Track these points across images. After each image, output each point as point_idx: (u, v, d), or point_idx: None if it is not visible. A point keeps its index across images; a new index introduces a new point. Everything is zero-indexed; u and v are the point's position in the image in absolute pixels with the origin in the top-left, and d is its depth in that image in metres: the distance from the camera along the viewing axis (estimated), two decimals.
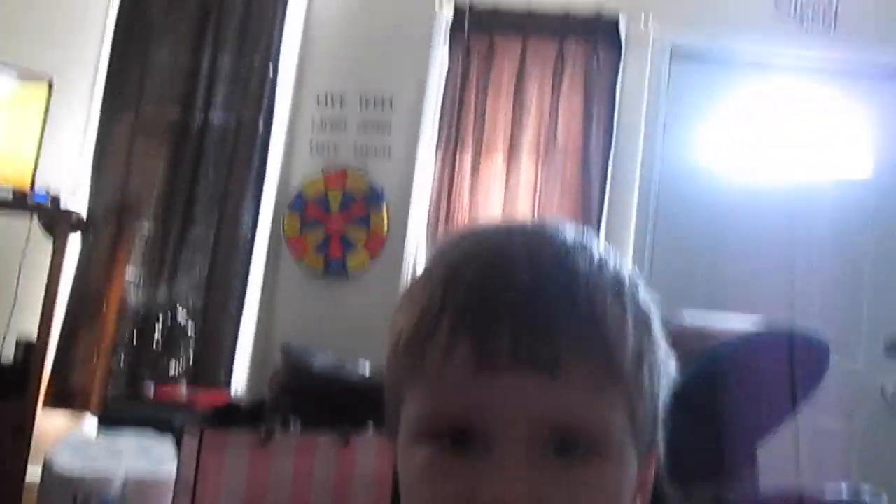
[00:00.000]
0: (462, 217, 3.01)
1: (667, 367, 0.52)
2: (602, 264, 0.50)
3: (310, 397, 2.34)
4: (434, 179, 3.08)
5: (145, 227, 3.01)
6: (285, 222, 3.16)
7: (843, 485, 1.83)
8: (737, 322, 1.92)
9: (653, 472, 0.54)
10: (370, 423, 1.90)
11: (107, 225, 2.99)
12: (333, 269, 3.10)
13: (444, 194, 3.04)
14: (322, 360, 2.74)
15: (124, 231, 2.98)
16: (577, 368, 0.46)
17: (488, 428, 0.46)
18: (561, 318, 0.46)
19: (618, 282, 0.49)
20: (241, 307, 3.02)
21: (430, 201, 3.07)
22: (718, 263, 2.95)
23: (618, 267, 0.50)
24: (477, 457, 0.46)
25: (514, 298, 0.46)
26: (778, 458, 2.26)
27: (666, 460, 1.85)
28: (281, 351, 2.69)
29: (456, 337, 0.46)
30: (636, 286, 0.51)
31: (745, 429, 2.09)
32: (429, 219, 3.06)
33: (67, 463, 1.62)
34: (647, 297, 0.51)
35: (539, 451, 0.45)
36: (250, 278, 3.07)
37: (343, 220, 3.13)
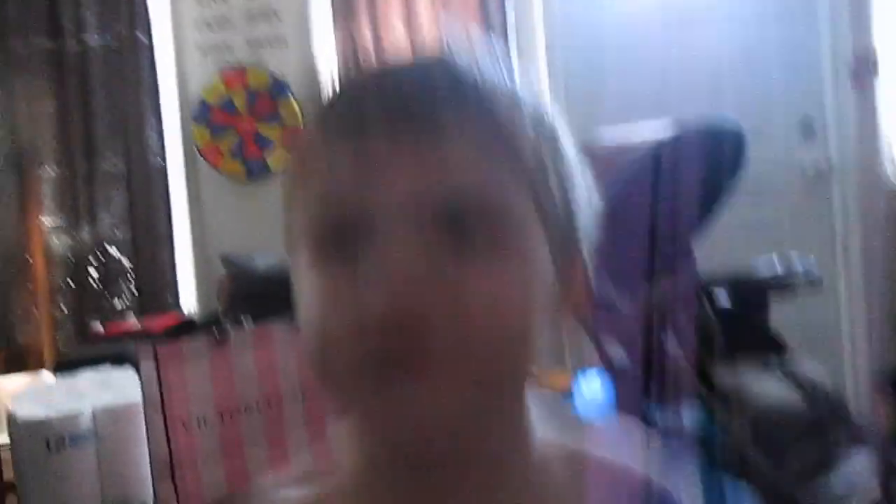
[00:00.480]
0: None
1: (584, 188, 0.49)
2: (500, 82, 0.46)
3: (261, 299, 2.36)
4: (338, 56, 2.98)
5: (49, 170, 2.88)
6: (194, 134, 3.06)
7: (774, 256, 1.94)
8: (651, 129, 1.95)
9: (579, 290, 0.50)
10: None
11: (9, 175, 2.85)
12: (255, 170, 3.04)
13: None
14: (264, 261, 2.73)
15: (28, 178, 2.86)
16: (462, 138, 0.42)
17: (371, 215, 0.42)
18: (441, 85, 0.43)
19: (516, 95, 0.46)
20: (171, 229, 2.97)
21: None
22: (629, 73, 2.96)
23: (518, 88, 0.47)
24: (363, 257, 0.42)
25: (395, 98, 0.43)
26: (713, 244, 2.37)
27: (610, 274, 1.90)
28: (221, 262, 2.67)
29: (334, 144, 0.44)
30: (539, 106, 0.48)
31: (676, 228, 2.17)
32: None
33: (30, 410, 1.61)
34: (552, 118, 0.48)
35: (428, 233, 0.42)
36: (173, 199, 3.00)
37: (252, 119, 3.04)
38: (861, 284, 3.06)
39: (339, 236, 0.43)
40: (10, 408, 1.67)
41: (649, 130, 1.94)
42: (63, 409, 1.62)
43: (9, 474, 2.57)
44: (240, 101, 3.02)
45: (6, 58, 2.87)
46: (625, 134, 1.94)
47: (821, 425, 1.83)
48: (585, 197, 0.50)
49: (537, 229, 0.45)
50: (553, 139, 0.47)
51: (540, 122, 0.46)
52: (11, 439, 1.65)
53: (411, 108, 0.43)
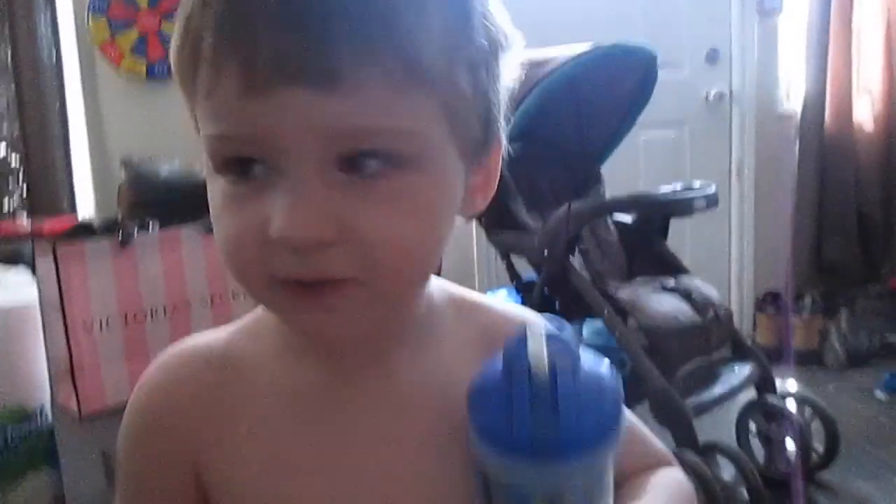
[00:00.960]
0: None
1: (498, 63, 0.46)
2: None
3: (163, 206, 2.28)
4: None
5: None
6: (91, 28, 2.86)
7: (678, 184, 2.01)
8: (568, 49, 1.96)
9: (495, 167, 0.50)
10: None
11: None
12: (157, 71, 2.88)
13: None
14: (167, 167, 2.63)
15: None
16: (365, 74, 0.39)
17: (272, 153, 0.41)
18: (339, 17, 0.39)
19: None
20: (65, 129, 2.79)
21: None
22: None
23: None
24: (268, 184, 0.42)
25: (280, 4, 0.39)
26: (619, 171, 2.43)
27: (522, 196, 1.93)
28: (122, 165, 2.55)
29: (220, 57, 0.40)
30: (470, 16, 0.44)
31: (589, 148, 2.22)
32: None
33: None
34: (493, 28, 0.46)
35: (332, 171, 0.41)
36: (68, 96, 2.81)
37: (155, 15, 2.86)
38: (752, 207, 3.23)
39: (245, 161, 0.43)
40: None
41: (566, 49, 1.95)
42: None
43: None
44: None
45: None
46: (542, 52, 1.94)
47: (709, 340, 1.95)
48: (505, 100, 0.49)
49: (450, 149, 0.44)
50: (462, 12, 0.43)
51: (467, 36, 0.43)
52: None
53: (304, 34, 0.39)
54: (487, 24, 0.45)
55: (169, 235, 1.61)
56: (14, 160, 2.72)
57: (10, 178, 2.71)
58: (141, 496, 0.54)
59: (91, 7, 2.84)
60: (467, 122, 0.45)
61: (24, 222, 2.50)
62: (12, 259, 1.94)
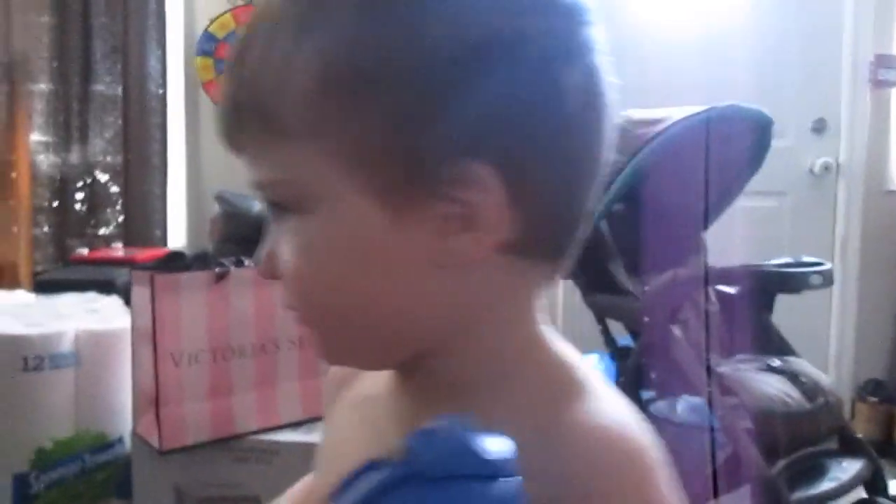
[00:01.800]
0: None
1: (459, 83, 0.39)
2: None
3: (253, 242, 2.28)
4: None
5: (41, 87, 2.75)
6: (197, 66, 2.94)
7: (786, 258, 1.90)
8: (680, 110, 1.90)
9: (484, 204, 0.40)
10: None
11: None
12: None
13: None
14: (258, 204, 2.65)
15: (18, 92, 2.73)
16: (240, 138, 0.45)
17: None
18: (228, 93, 0.45)
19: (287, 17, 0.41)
20: (164, 161, 2.86)
21: None
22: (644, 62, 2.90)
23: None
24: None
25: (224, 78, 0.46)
26: (721, 240, 2.33)
27: (623, 258, 1.86)
28: (216, 200, 2.58)
29: None
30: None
31: (695, 213, 2.13)
32: None
33: (9, 326, 1.52)
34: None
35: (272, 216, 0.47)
36: (169, 130, 2.89)
37: None
38: (855, 287, 3.05)
39: None
40: None
41: (679, 110, 1.88)
42: (44, 328, 1.53)
43: None
44: None
45: None
46: (652, 111, 1.88)
47: (817, 429, 1.81)
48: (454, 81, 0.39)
49: (347, 190, 0.41)
50: (406, 85, 0.39)
51: (369, 77, 0.40)
52: None
53: (224, 109, 0.46)
54: (435, 47, 0.39)
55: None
56: (114, 188, 2.78)
57: (108, 205, 2.77)
58: None
59: (199, 48, 2.93)
60: (376, 161, 0.40)
61: (117, 250, 2.54)
62: (105, 286, 1.95)
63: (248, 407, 1.61)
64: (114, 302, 1.77)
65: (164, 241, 2.81)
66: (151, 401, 1.45)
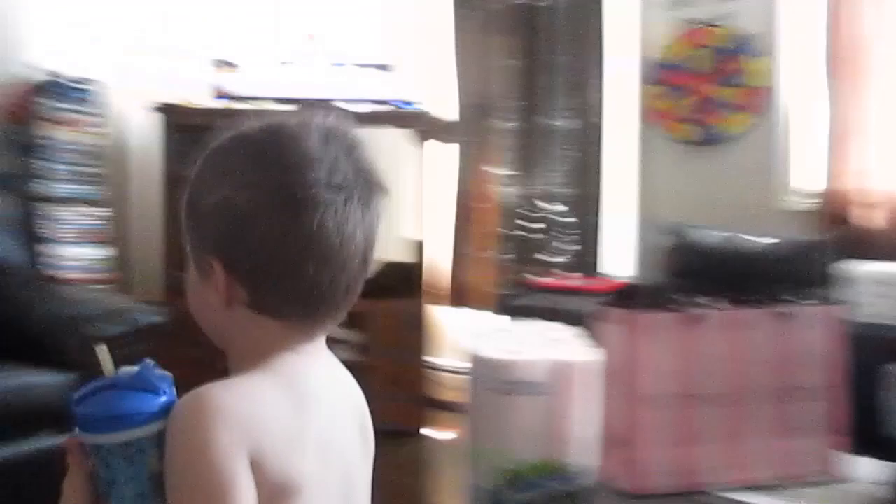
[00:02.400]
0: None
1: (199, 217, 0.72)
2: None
3: (706, 276, 2.16)
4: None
5: (508, 124, 3.01)
6: (644, 95, 2.94)
7: None
8: None
9: (221, 283, 0.69)
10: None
11: (470, 125, 3.04)
12: (709, 135, 2.83)
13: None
14: (712, 234, 2.53)
15: (490, 130, 3.02)
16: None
17: None
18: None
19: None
20: (598, 191, 2.93)
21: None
22: None
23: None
24: None
25: None
26: None
27: None
28: (671, 232, 2.53)
29: None
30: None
31: None
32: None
33: (492, 350, 1.64)
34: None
35: None
36: (603, 160, 2.96)
37: (711, 80, 2.82)
38: None
39: None
40: (474, 345, 1.72)
41: None
42: (523, 355, 1.61)
43: (442, 395, 2.80)
44: (700, 61, 2.81)
45: (487, 16, 3.04)
46: None
47: None
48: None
49: (207, 258, 0.70)
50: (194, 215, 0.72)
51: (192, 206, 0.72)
52: (472, 374, 1.70)
53: None
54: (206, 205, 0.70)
55: (738, 313, 1.47)
56: (567, 218, 2.91)
57: (561, 234, 2.91)
58: None
59: (644, 76, 2.93)
60: (194, 252, 0.72)
61: (569, 278, 2.63)
62: (560, 315, 2.00)
63: (712, 458, 1.51)
64: (577, 333, 1.80)
65: (594, 270, 2.85)
66: (623, 441, 1.43)
